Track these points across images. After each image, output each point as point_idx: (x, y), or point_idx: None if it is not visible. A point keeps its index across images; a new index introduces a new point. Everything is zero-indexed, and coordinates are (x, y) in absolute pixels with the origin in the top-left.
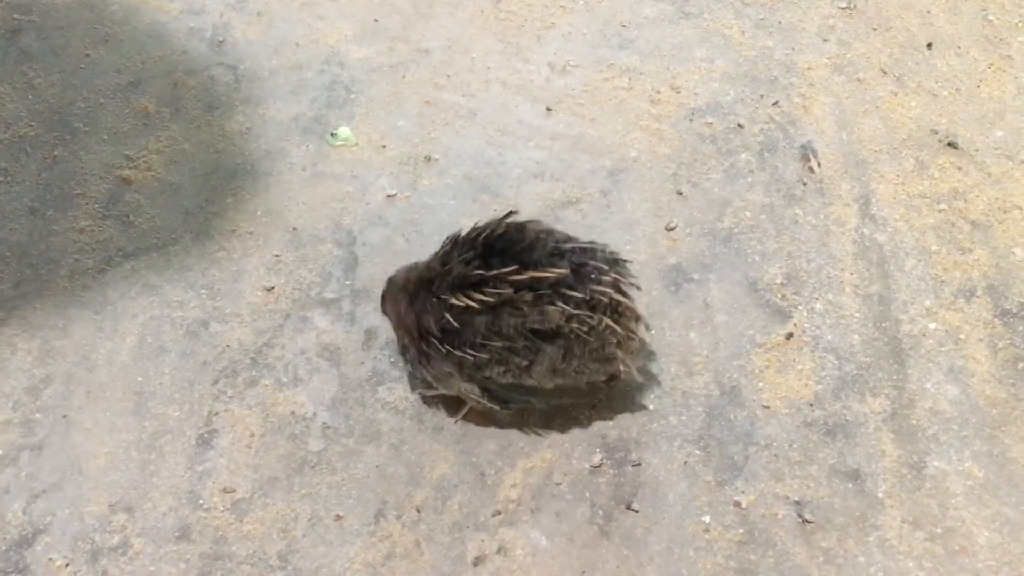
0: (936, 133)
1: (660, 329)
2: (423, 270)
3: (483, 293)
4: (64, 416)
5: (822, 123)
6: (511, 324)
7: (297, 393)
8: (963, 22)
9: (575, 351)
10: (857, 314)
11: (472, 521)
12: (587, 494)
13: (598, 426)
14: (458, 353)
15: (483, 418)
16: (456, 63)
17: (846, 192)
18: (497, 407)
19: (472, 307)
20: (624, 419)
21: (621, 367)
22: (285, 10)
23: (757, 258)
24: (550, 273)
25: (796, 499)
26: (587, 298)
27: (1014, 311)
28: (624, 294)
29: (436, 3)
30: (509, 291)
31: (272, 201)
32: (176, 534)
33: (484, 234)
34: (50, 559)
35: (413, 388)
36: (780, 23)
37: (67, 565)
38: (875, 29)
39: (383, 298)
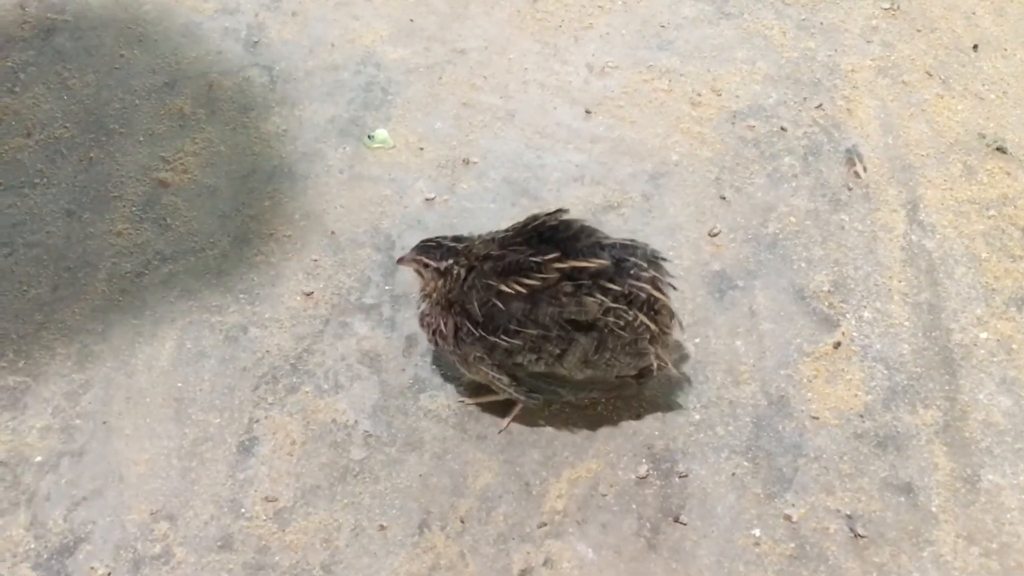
0: (984, 137)
1: (705, 337)
2: (480, 249)
3: (529, 276)
4: (104, 422)
5: (867, 127)
6: (548, 312)
7: (338, 400)
8: (1009, 23)
9: (608, 343)
10: (907, 323)
11: (517, 532)
12: (634, 506)
13: (643, 436)
14: (492, 338)
15: (527, 427)
16: (493, 64)
17: (893, 197)
18: (523, 396)
19: (520, 292)
20: (670, 429)
21: (654, 361)
22: (320, 10)
23: (803, 265)
24: (592, 263)
25: (848, 513)
26: (625, 292)
27: None
28: (661, 291)
29: (472, 3)
30: (554, 276)
31: (310, 204)
32: (218, 543)
33: (536, 224)
34: (92, 568)
35: (459, 391)
36: (822, 24)
37: (109, 574)
38: (919, 30)
39: (421, 252)
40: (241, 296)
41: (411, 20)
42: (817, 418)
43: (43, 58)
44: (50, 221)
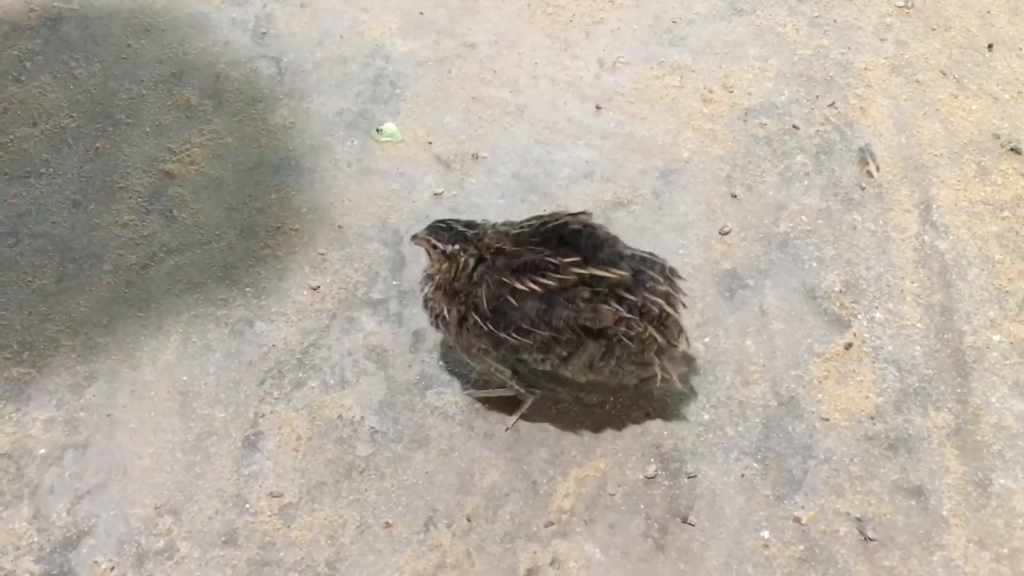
0: (998, 138)
1: (715, 336)
2: (492, 239)
3: (545, 276)
4: (108, 415)
5: (880, 126)
6: (563, 316)
7: (344, 396)
8: None
9: (615, 351)
10: (919, 324)
11: (524, 531)
12: (642, 506)
13: (652, 435)
14: (501, 334)
15: (535, 425)
16: (503, 58)
17: (906, 197)
18: (523, 390)
19: (535, 291)
20: (679, 429)
21: (659, 373)
22: (329, 1)
23: (814, 264)
24: (613, 273)
25: (858, 516)
26: (639, 304)
27: None
28: (673, 307)
29: None
30: (572, 278)
31: (317, 197)
32: (223, 539)
33: (557, 224)
34: (95, 562)
35: (465, 386)
36: (836, 21)
37: (112, 568)
38: (934, 29)
39: (432, 232)
40: (247, 289)
41: (421, 13)
42: (827, 419)
43: (49, 47)
44: (56, 212)
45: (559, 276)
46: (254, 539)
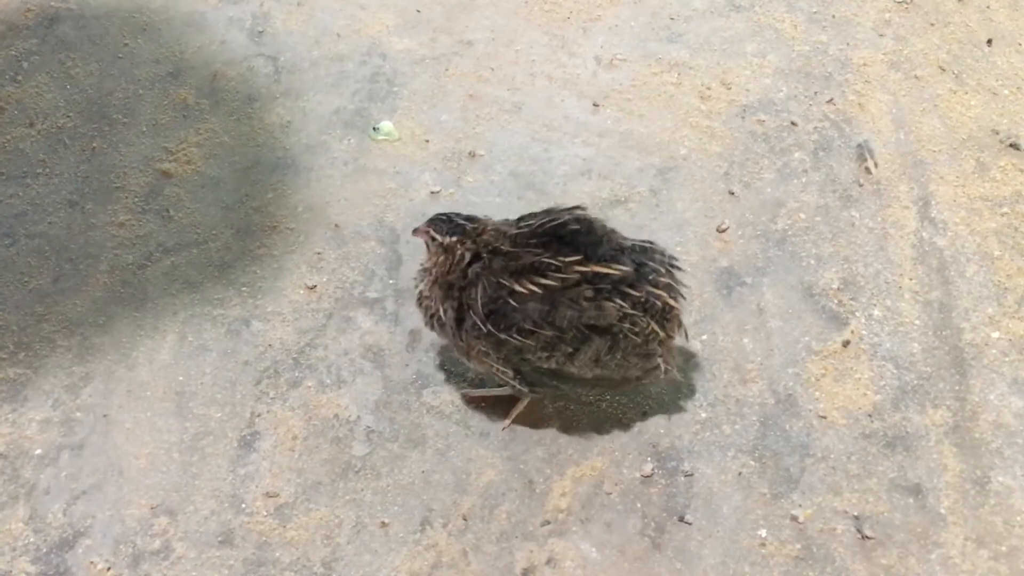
0: (997, 133)
1: (712, 334)
2: (491, 237)
3: (546, 276)
4: (104, 415)
5: (879, 122)
6: (566, 316)
7: (340, 395)
8: None
9: (620, 346)
10: (917, 321)
11: (520, 531)
12: (638, 504)
13: (649, 434)
14: (502, 336)
15: (531, 424)
16: (500, 56)
17: (904, 194)
18: (525, 389)
19: (536, 292)
20: (676, 427)
21: (662, 365)
22: (325, 0)
23: (812, 262)
24: (615, 270)
25: (855, 514)
26: (643, 299)
27: None
28: (675, 299)
29: None
30: (574, 277)
31: (314, 196)
32: (219, 539)
33: (555, 224)
34: (91, 562)
35: (462, 386)
36: (834, 17)
37: (108, 569)
38: (933, 24)
39: (431, 224)
40: (243, 289)
41: (418, 11)
42: (825, 417)
43: (46, 47)
44: (52, 212)
45: (561, 276)
46: (250, 539)
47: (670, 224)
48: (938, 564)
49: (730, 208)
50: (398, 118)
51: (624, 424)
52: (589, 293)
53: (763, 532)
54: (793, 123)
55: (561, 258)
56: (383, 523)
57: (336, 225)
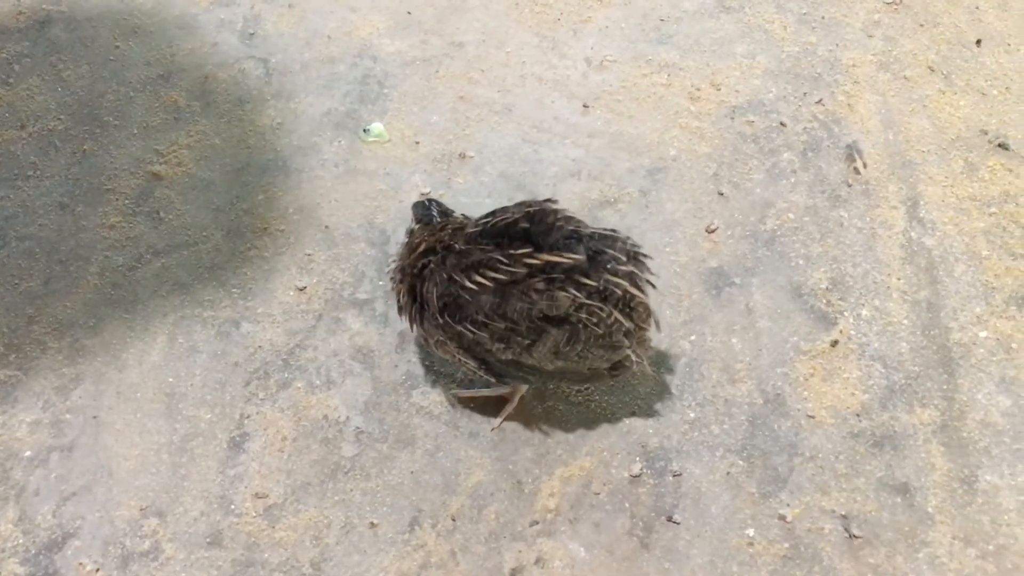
0: (986, 134)
1: (701, 334)
2: (448, 234)
3: (495, 271)
4: (94, 417)
5: (868, 122)
6: (517, 308)
7: (330, 396)
8: (1013, 18)
9: (580, 336)
10: (905, 321)
11: (509, 531)
12: (627, 504)
13: (638, 434)
14: (457, 327)
15: (520, 424)
16: (491, 57)
17: (893, 194)
18: (493, 379)
19: (486, 285)
20: (664, 427)
21: (632, 356)
22: (317, 2)
23: (801, 262)
24: (565, 259)
25: (843, 513)
26: (600, 287)
27: None
28: (639, 288)
29: None
30: (522, 271)
31: (304, 198)
32: (208, 540)
33: (505, 222)
34: (80, 563)
35: (450, 386)
36: (823, 18)
37: (97, 570)
38: (922, 25)
39: (414, 206)
40: (234, 291)
41: (408, 13)
42: (813, 417)
43: (37, 49)
44: (43, 214)
45: (509, 269)
46: (239, 540)
47: (660, 225)
48: (925, 563)
49: (719, 209)
50: (389, 120)
51: (613, 424)
52: (540, 284)
53: (751, 531)
54: (782, 124)
55: (510, 251)
56: (372, 523)
57: (326, 227)
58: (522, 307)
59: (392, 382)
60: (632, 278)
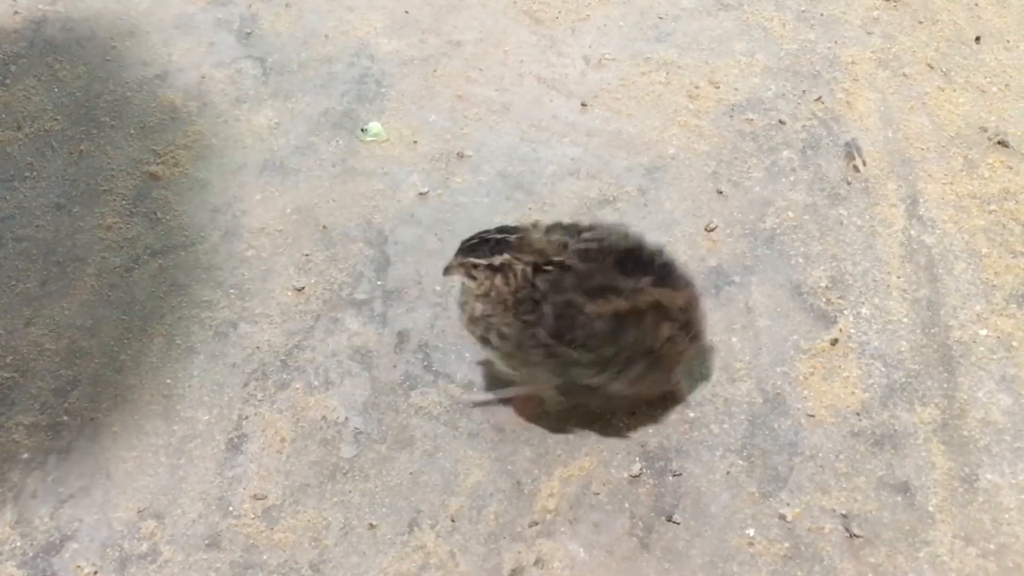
0: (985, 131)
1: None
2: (545, 246)
3: (617, 298)
4: (92, 419)
5: (867, 120)
6: (631, 336)
7: (328, 397)
8: (1012, 15)
9: (661, 365)
10: (905, 319)
11: (508, 531)
12: (627, 504)
13: (637, 434)
14: (563, 349)
15: (519, 424)
16: (488, 56)
17: (892, 192)
18: (562, 397)
19: (607, 314)
20: (664, 427)
21: (676, 386)
22: (314, 1)
23: (800, 260)
24: (679, 297)
25: (843, 512)
26: (683, 320)
27: None
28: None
29: None
30: (645, 302)
31: (301, 198)
32: (206, 542)
33: (608, 242)
34: (78, 566)
35: (450, 386)
36: (822, 15)
37: (95, 573)
38: (921, 22)
39: (467, 253)
40: (231, 291)
41: (406, 12)
42: (813, 416)
43: (34, 50)
44: (39, 215)
45: (633, 300)
46: (237, 542)
47: (658, 224)
48: (926, 562)
49: (718, 207)
50: (386, 119)
51: (612, 424)
52: (652, 317)
53: (751, 531)
54: (781, 121)
55: (633, 281)
56: (371, 525)
57: (324, 227)
58: (636, 334)
59: (391, 383)
60: (691, 298)
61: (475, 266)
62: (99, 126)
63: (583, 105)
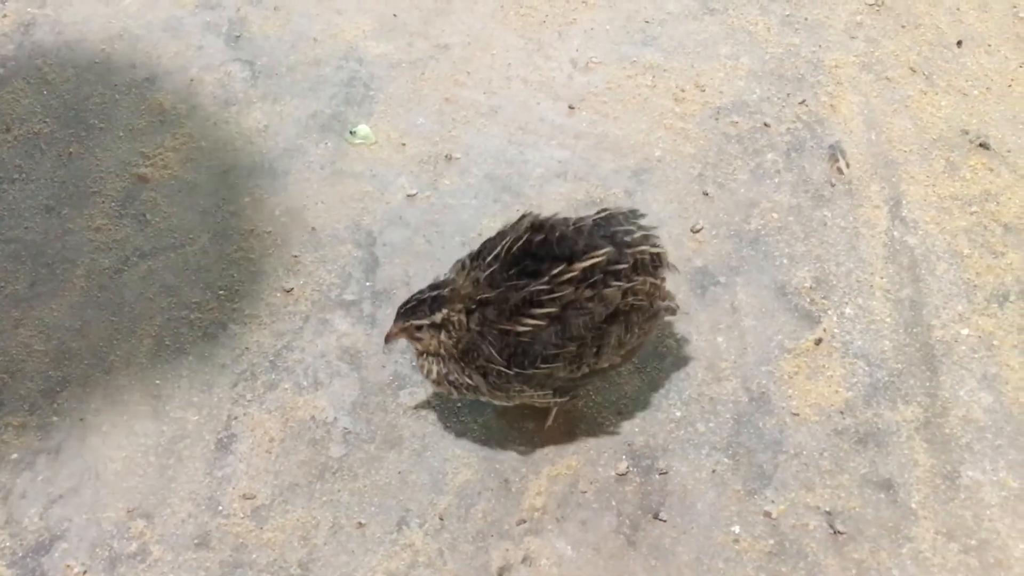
0: (967, 133)
1: (686, 333)
2: (470, 289)
3: (542, 305)
4: (81, 419)
5: (850, 122)
6: (580, 324)
7: (317, 397)
8: (994, 19)
9: (634, 319)
10: (888, 319)
11: (496, 530)
12: (613, 503)
13: (624, 432)
14: (530, 371)
15: (507, 424)
16: (476, 59)
17: (875, 194)
18: (566, 399)
19: (539, 324)
20: (650, 425)
21: (664, 313)
22: (303, 4)
23: (785, 261)
24: (598, 258)
25: (827, 509)
26: (631, 264)
27: None
28: (655, 244)
29: None
30: (570, 290)
31: (290, 200)
32: (195, 541)
33: (518, 244)
34: (67, 566)
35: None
36: (807, 19)
37: (85, 572)
38: (904, 26)
39: (407, 317)
40: (220, 292)
41: (394, 15)
42: (797, 415)
43: (23, 52)
44: (28, 217)
45: (557, 296)
46: (227, 541)
47: (645, 225)
48: (909, 558)
49: (704, 209)
50: (375, 122)
51: (599, 423)
52: (588, 293)
53: (737, 528)
54: (766, 124)
55: (547, 276)
56: (360, 524)
57: (313, 228)
58: (584, 320)
59: (379, 383)
60: (647, 239)
61: (419, 327)
62: (88, 129)
63: (570, 108)
